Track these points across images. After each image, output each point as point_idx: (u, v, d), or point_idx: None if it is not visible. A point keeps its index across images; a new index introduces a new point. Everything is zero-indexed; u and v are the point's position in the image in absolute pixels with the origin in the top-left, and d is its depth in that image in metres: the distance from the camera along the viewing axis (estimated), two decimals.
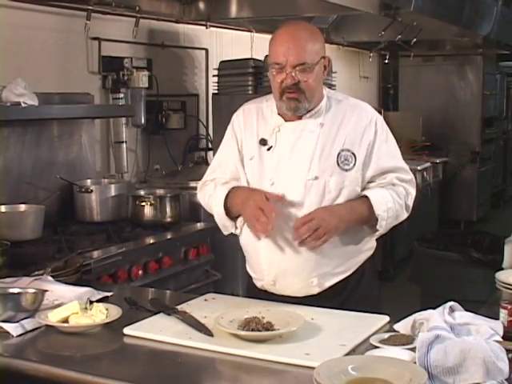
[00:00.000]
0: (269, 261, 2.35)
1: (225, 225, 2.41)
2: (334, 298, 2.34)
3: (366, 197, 2.30)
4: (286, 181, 2.30)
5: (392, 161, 2.38)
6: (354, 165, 2.30)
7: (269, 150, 2.34)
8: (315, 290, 2.34)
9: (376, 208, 2.27)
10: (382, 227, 2.32)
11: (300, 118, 2.34)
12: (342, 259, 2.34)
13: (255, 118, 2.41)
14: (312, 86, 2.26)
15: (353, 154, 2.30)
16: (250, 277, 2.48)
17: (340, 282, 2.36)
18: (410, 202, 2.40)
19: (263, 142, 2.36)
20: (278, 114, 2.37)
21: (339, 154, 2.29)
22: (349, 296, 2.38)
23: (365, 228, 2.36)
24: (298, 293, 2.34)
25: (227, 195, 2.36)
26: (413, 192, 2.41)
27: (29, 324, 2.08)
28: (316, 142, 2.31)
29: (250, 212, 2.22)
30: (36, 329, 2.08)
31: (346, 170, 2.29)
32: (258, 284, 2.44)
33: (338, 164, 2.29)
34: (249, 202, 2.24)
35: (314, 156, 2.29)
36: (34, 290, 2.19)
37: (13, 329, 2.04)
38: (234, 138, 2.45)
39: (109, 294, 2.37)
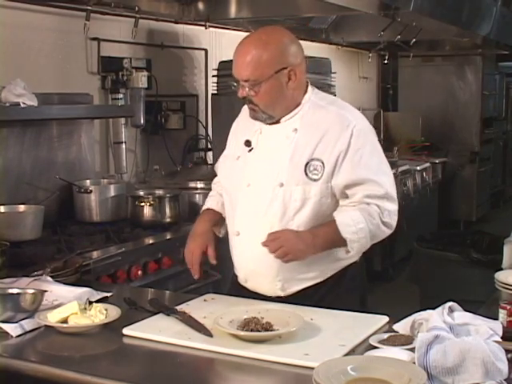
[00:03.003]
0: (240, 259, 2.39)
1: None
2: (305, 300, 2.29)
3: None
4: (260, 184, 2.30)
5: (363, 172, 2.25)
6: (323, 175, 2.24)
7: (250, 151, 2.36)
8: (280, 293, 2.35)
9: (343, 231, 2.21)
10: (354, 249, 2.24)
11: (279, 121, 2.33)
12: (310, 266, 2.30)
13: (247, 118, 2.40)
14: (263, 100, 2.24)
15: (322, 163, 2.24)
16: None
17: (308, 287, 2.34)
18: (389, 219, 2.27)
19: (247, 143, 2.37)
20: None
21: (308, 163, 2.25)
22: (322, 299, 2.34)
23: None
24: (267, 293, 2.36)
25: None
26: (390, 207, 2.27)
27: (28, 324, 2.08)
28: (288, 148, 2.28)
29: (186, 254, 2.42)
30: (35, 329, 2.08)
31: (315, 180, 2.24)
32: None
33: (307, 174, 2.25)
34: (188, 243, 2.43)
35: (283, 162, 2.28)
36: (33, 291, 2.19)
37: (12, 329, 2.04)
38: (230, 141, 2.52)
39: (108, 294, 2.37)
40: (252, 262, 2.34)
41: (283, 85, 2.24)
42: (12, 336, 2.03)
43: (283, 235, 2.21)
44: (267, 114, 2.29)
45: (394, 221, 2.29)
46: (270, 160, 2.31)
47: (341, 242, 2.24)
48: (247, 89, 2.23)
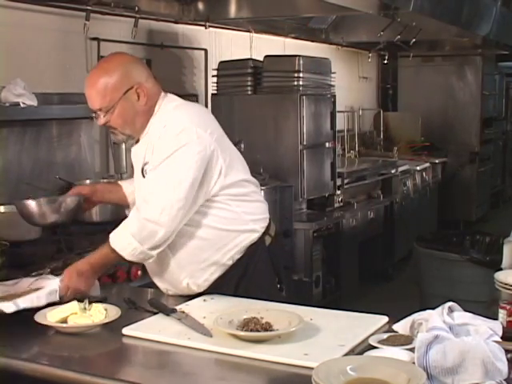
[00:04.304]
0: (153, 275, 2.52)
1: None
2: (222, 288, 2.40)
3: None
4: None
5: (152, 167, 2.35)
6: None
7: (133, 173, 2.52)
8: (194, 289, 2.43)
9: (111, 241, 2.31)
10: (127, 256, 2.29)
11: (139, 140, 2.45)
12: (206, 252, 2.41)
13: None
14: (118, 122, 2.36)
15: (149, 164, 2.37)
16: None
17: (221, 276, 2.43)
18: (150, 215, 2.25)
19: (132, 167, 2.53)
20: None
21: (143, 168, 2.40)
22: (238, 284, 2.44)
23: (223, 219, 2.40)
24: (186, 293, 2.44)
25: None
26: (151, 204, 2.27)
27: (23, 302, 2.09)
28: (140, 161, 2.42)
29: None
30: (29, 310, 2.10)
31: None
32: None
33: (144, 177, 2.39)
34: None
35: (140, 176, 2.42)
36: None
37: (6, 307, 2.06)
38: None
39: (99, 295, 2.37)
40: (159, 275, 2.47)
41: (134, 103, 2.36)
42: (5, 312, 2.05)
43: (69, 284, 2.28)
44: (126, 134, 2.42)
45: (160, 217, 2.25)
46: (137, 179, 2.45)
47: (116, 254, 2.31)
48: (102, 116, 2.35)
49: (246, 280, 2.45)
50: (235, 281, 2.44)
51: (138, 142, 2.46)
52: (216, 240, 2.40)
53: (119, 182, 2.76)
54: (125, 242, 2.28)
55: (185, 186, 2.26)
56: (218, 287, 2.42)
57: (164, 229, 2.25)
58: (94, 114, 2.41)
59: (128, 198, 2.66)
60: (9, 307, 2.08)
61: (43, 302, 2.16)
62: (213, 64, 5.28)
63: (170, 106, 2.41)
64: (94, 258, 2.35)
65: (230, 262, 2.43)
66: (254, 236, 2.47)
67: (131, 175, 2.67)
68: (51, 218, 2.65)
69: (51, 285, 2.27)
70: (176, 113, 2.39)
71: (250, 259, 2.46)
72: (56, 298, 2.23)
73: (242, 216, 2.44)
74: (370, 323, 2.07)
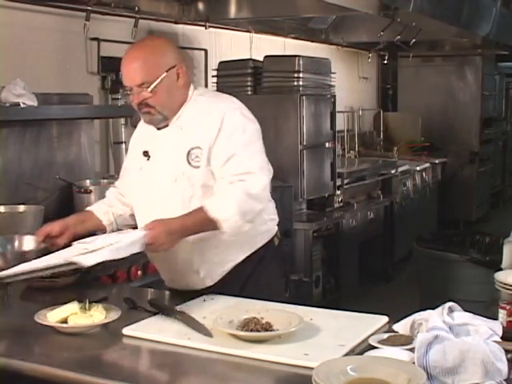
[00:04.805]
0: (159, 262, 2.53)
1: None
2: (231, 284, 2.41)
3: None
4: (161, 188, 2.41)
5: (230, 150, 2.33)
6: (203, 161, 2.35)
7: (148, 160, 2.47)
8: (208, 283, 2.44)
9: (211, 211, 2.27)
10: (226, 228, 2.28)
11: (168, 125, 2.43)
12: (227, 248, 2.41)
13: (143, 130, 2.54)
14: (160, 100, 2.35)
15: (201, 149, 2.35)
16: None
17: (231, 272, 2.44)
18: (255, 190, 2.30)
19: (145, 153, 2.48)
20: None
21: (189, 152, 2.36)
22: (246, 281, 2.46)
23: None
24: (196, 286, 2.44)
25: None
26: (254, 180, 2.31)
27: (101, 256, 2.09)
28: (176, 147, 2.39)
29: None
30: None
31: (197, 167, 2.35)
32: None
33: (189, 163, 2.36)
34: None
35: (175, 160, 2.39)
36: None
37: (85, 260, 2.06)
38: (129, 154, 2.65)
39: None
40: (170, 261, 2.43)
41: (174, 83, 2.37)
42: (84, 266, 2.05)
43: (155, 237, 2.21)
44: (163, 114, 2.39)
45: (261, 193, 2.32)
46: (165, 163, 2.42)
47: (212, 224, 2.28)
48: (143, 93, 2.32)
49: (254, 278, 2.46)
50: (243, 278, 2.46)
51: (163, 127, 2.43)
52: (239, 237, 2.39)
53: (88, 209, 2.69)
54: (228, 213, 2.26)
55: (269, 166, 2.38)
56: (226, 283, 2.43)
57: (262, 204, 2.32)
58: (128, 92, 2.39)
59: (103, 220, 2.62)
60: (87, 259, 2.06)
61: (123, 254, 2.14)
62: (213, 64, 5.28)
63: (209, 94, 2.50)
64: (187, 222, 2.29)
65: (241, 259, 2.45)
66: (269, 237, 2.51)
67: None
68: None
69: (130, 237, 2.23)
70: (224, 97, 2.47)
71: (261, 258, 2.48)
72: (138, 249, 2.20)
73: (262, 215, 2.45)
74: (370, 323, 2.06)
